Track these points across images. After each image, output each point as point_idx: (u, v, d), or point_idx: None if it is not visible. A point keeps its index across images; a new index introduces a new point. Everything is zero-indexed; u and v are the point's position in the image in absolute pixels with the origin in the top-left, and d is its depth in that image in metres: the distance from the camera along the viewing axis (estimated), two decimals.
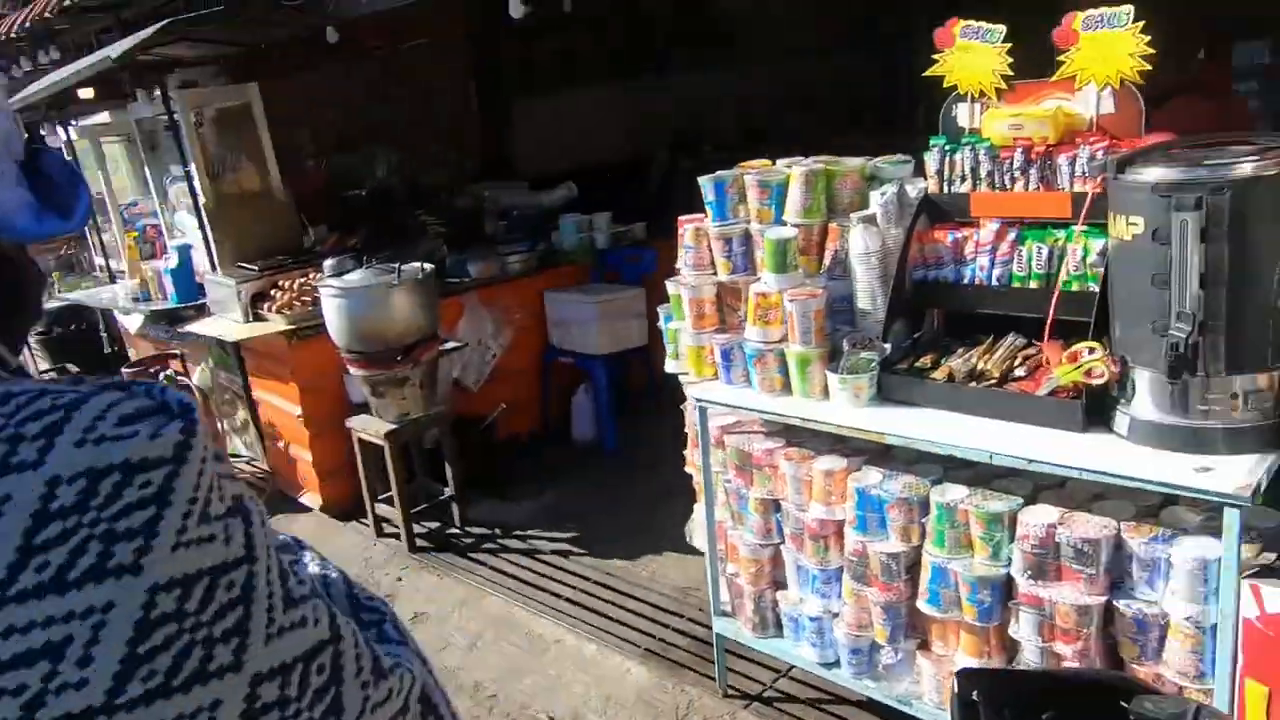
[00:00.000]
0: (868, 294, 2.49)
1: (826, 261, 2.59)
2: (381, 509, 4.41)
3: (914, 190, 2.50)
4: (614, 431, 5.03)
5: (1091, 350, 2.05)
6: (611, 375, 5.00)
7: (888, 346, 2.39)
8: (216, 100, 5.00)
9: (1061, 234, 2.23)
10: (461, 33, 8.26)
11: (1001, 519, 2.13)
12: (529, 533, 4.32)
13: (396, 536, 4.32)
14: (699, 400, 2.70)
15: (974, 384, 2.27)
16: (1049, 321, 2.13)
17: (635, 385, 5.20)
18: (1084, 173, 2.21)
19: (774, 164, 2.81)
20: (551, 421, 5.40)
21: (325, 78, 6.94)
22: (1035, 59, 2.37)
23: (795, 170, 2.58)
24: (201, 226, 4.88)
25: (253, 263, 4.85)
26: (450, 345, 4.50)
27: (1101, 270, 2.13)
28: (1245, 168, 1.80)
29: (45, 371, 7.61)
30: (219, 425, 5.32)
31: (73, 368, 7.43)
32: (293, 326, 4.43)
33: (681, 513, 3.36)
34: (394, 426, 4.14)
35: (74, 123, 6.44)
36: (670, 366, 2.90)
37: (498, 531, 4.37)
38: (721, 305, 2.74)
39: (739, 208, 2.75)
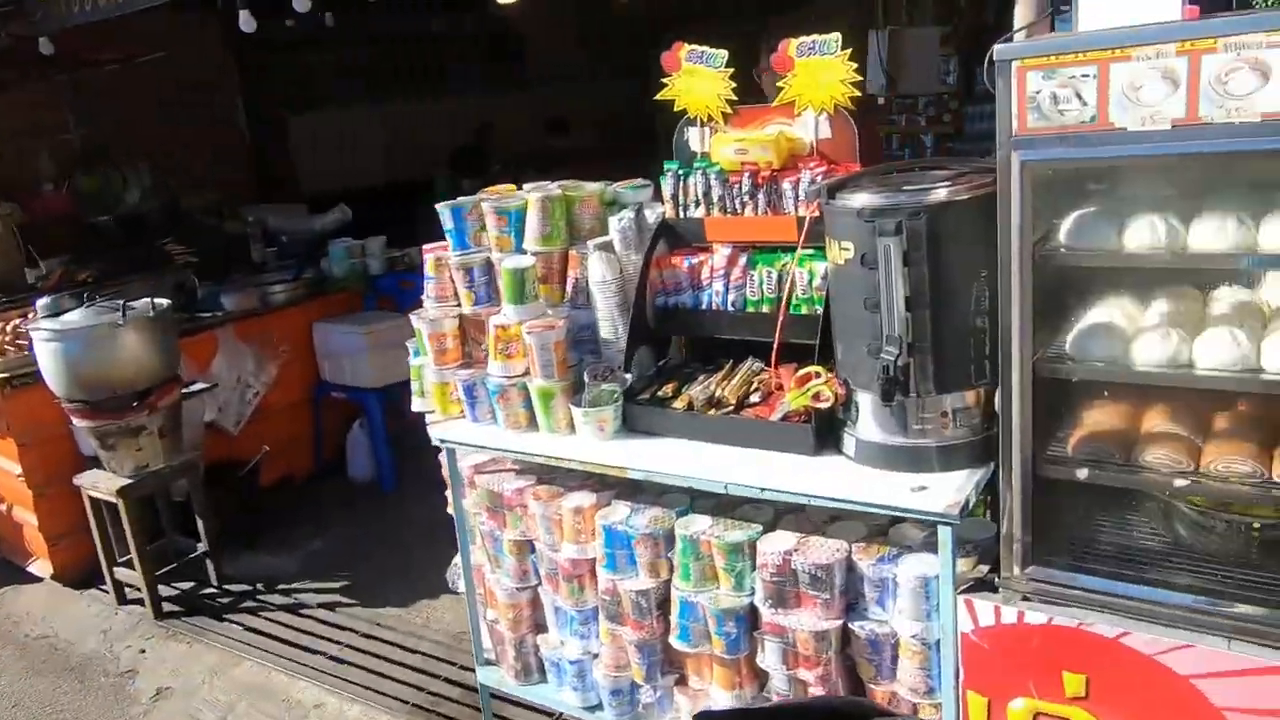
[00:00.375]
0: (609, 322, 2.42)
1: (569, 290, 2.50)
2: (123, 573, 3.95)
3: (653, 215, 2.45)
4: (392, 469, 4.77)
5: (818, 374, 2.06)
6: (387, 409, 4.73)
7: (629, 377, 2.32)
8: None
9: (789, 258, 2.24)
10: (219, 44, 7.71)
11: (742, 549, 2.10)
12: (294, 586, 3.99)
13: (141, 602, 3.88)
14: (443, 441, 2.53)
15: (712, 411, 2.24)
16: (776, 346, 2.13)
17: (416, 419, 4.94)
18: (805, 197, 2.23)
19: (519, 188, 2.71)
20: (325, 461, 5.06)
21: (58, 92, 6.26)
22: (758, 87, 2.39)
23: (532, 196, 2.48)
24: None
25: None
26: (198, 387, 4.11)
27: (826, 293, 2.15)
28: (940, 193, 1.84)
29: None
30: None
31: None
32: (4, 375, 3.91)
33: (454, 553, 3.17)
34: (129, 481, 3.71)
35: None
36: (417, 405, 2.73)
37: (259, 587, 4.01)
38: (465, 339, 2.60)
39: (480, 235, 2.62)
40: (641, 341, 2.39)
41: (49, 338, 3.50)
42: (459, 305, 2.62)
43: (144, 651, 3.67)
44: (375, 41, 8.74)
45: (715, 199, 2.36)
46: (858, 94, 2.17)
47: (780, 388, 2.20)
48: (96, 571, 4.02)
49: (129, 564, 3.86)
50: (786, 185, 2.25)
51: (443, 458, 2.66)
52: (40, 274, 5.02)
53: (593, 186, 2.55)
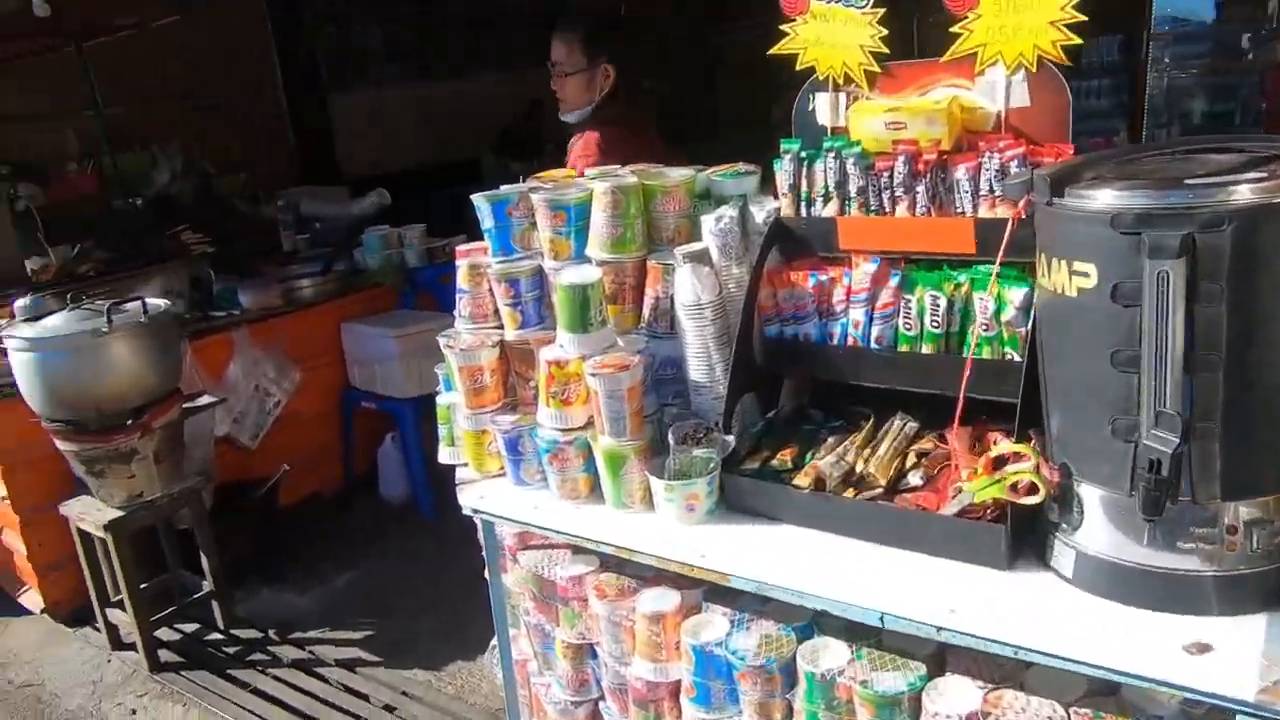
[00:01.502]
0: (702, 359, 1.77)
1: (646, 314, 1.86)
2: (116, 615, 3.43)
3: (762, 213, 1.80)
4: (428, 490, 4.19)
5: (1019, 456, 1.40)
6: (423, 422, 4.14)
7: (731, 440, 1.68)
8: None
9: (964, 277, 1.58)
10: (257, 16, 7.20)
11: (900, 703, 1.45)
12: (311, 635, 3.44)
13: (135, 647, 3.36)
14: (476, 511, 1.92)
15: (851, 492, 1.59)
16: (960, 406, 1.46)
17: None
18: (992, 190, 1.56)
19: (580, 174, 2.08)
20: (356, 477, 4.51)
21: (84, 63, 5.77)
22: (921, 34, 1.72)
23: (598, 186, 1.84)
24: None
25: None
26: (203, 401, 3.56)
27: (1024, 332, 1.48)
28: (1251, 189, 1.16)
29: None
30: None
31: None
32: None
33: None
34: (119, 514, 3.18)
35: None
36: (445, 456, 2.11)
37: (273, 634, 3.46)
38: (508, 374, 1.98)
39: (529, 236, 1.99)
40: (747, 387, 1.75)
41: (22, 346, 2.96)
42: (500, 328, 2.00)
43: (134, 713, 3.15)
44: (420, 13, 8.17)
45: (854, 192, 1.70)
46: (1077, 41, 1.49)
47: (952, 464, 1.55)
48: (90, 607, 3.50)
49: (122, 605, 3.33)
50: (961, 173, 1.59)
51: (470, 511, 2.04)
52: (50, 264, 4.54)
53: (679, 173, 1.90)
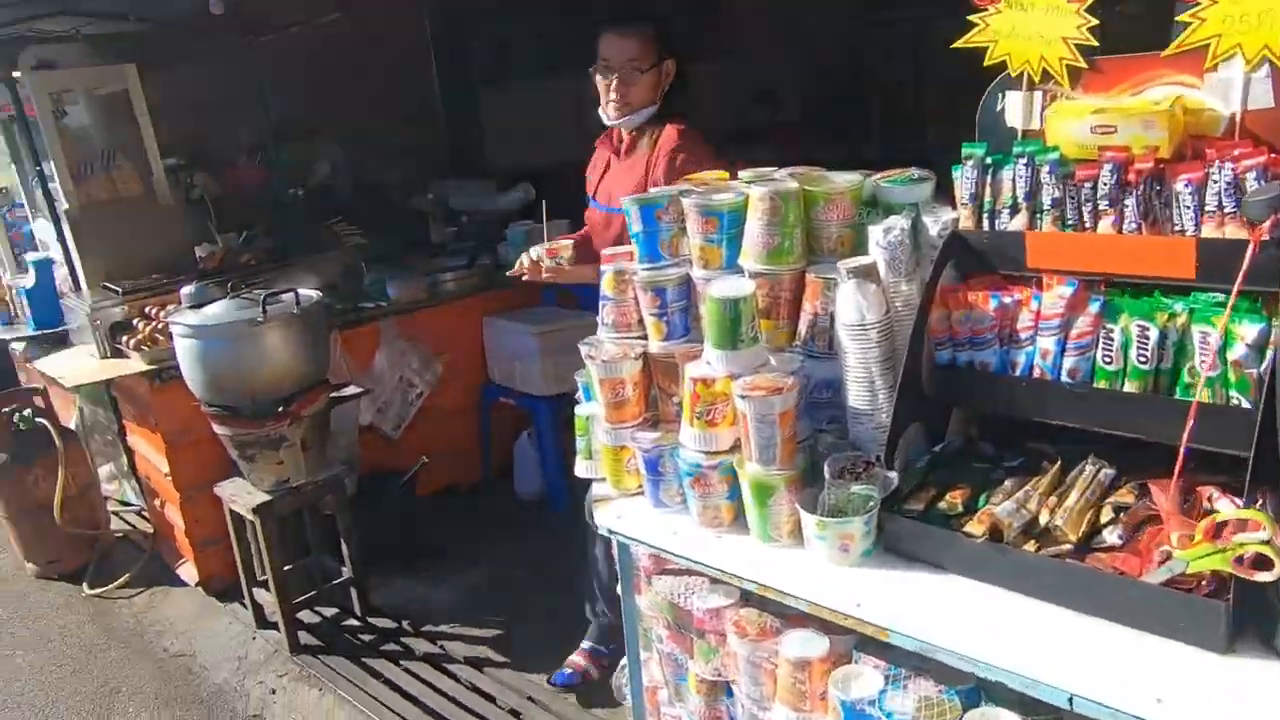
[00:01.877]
0: (864, 384, 1.62)
1: (802, 331, 1.72)
2: (262, 595, 3.55)
3: (937, 225, 1.63)
4: (563, 488, 4.15)
5: (1249, 524, 1.18)
6: (559, 420, 4.12)
7: (894, 476, 1.52)
8: (83, 84, 4.12)
9: (1181, 307, 1.36)
10: (417, 11, 7.38)
11: None
12: (442, 629, 3.45)
13: (278, 627, 3.46)
14: (612, 532, 1.82)
15: (1032, 545, 1.40)
16: (1179, 464, 1.26)
17: None
18: (1221, 207, 1.34)
19: (733, 177, 1.96)
20: (492, 473, 4.53)
21: (258, 58, 6.06)
22: (1136, 23, 1.51)
23: (755, 190, 1.71)
24: (61, 237, 4.02)
25: (127, 282, 3.99)
26: (350, 391, 3.64)
27: (1256, 374, 1.26)
28: None
29: None
30: (94, 472, 4.46)
31: None
32: (154, 366, 3.57)
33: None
34: (266, 498, 3.28)
35: None
36: (581, 469, 2.03)
37: (406, 625, 3.50)
38: (651, 388, 1.87)
39: (678, 242, 1.88)
40: (914, 417, 1.58)
41: (185, 333, 3.08)
42: (644, 338, 1.90)
43: (274, 692, 3.24)
44: (572, 8, 8.18)
45: (1047, 203, 1.50)
46: None
47: (1158, 521, 1.34)
48: (239, 584, 3.63)
49: (268, 585, 3.44)
50: (1182, 185, 1.37)
51: (605, 531, 1.95)
52: (218, 250, 4.77)
53: (844, 179, 1.75)
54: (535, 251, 2.75)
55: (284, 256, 4.43)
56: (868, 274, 1.58)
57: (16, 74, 3.91)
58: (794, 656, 1.59)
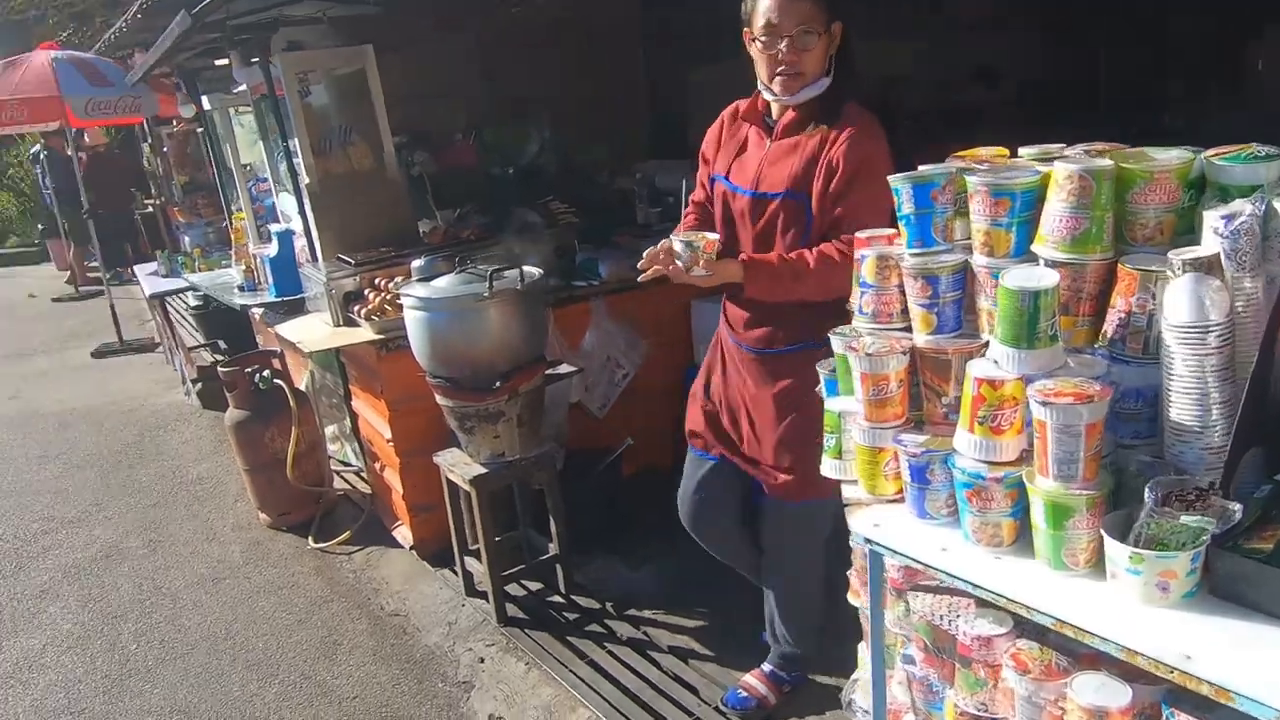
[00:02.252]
0: (1194, 398, 1.38)
1: (1109, 330, 1.50)
2: (473, 564, 3.63)
3: None
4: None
5: None
6: None
7: (1237, 509, 1.28)
8: (325, 65, 4.33)
9: None
10: None
11: None
12: (645, 614, 3.41)
13: (487, 596, 3.53)
14: (869, 542, 1.67)
15: None
16: None
17: None
18: None
19: (1012, 155, 1.75)
20: None
21: (474, 41, 6.25)
22: None
23: (1060, 168, 1.50)
24: (302, 210, 4.25)
25: (358, 254, 4.17)
26: (564, 370, 3.65)
27: None
28: None
29: (197, 346, 7.44)
30: (320, 432, 4.74)
31: (222, 344, 7.21)
32: (381, 336, 3.71)
33: (847, 624, 2.29)
34: (483, 471, 3.33)
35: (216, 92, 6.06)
36: (827, 468, 1.88)
37: (610, 607, 3.48)
38: (916, 385, 1.70)
39: (951, 226, 1.70)
40: (1257, 440, 1.33)
41: (414, 305, 3.16)
42: (907, 330, 1.73)
43: (483, 661, 3.30)
44: None
45: None
46: None
47: None
48: (451, 551, 3.74)
49: (478, 555, 3.51)
50: None
51: (861, 541, 1.80)
52: (439, 227, 4.93)
53: (1170, 155, 1.50)
54: (678, 245, 2.22)
55: (499, 234, 4.51)
56: (1209, 267, 1.34)
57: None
58: (1089, 704, 1.39)
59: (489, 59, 6.51)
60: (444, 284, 3.21)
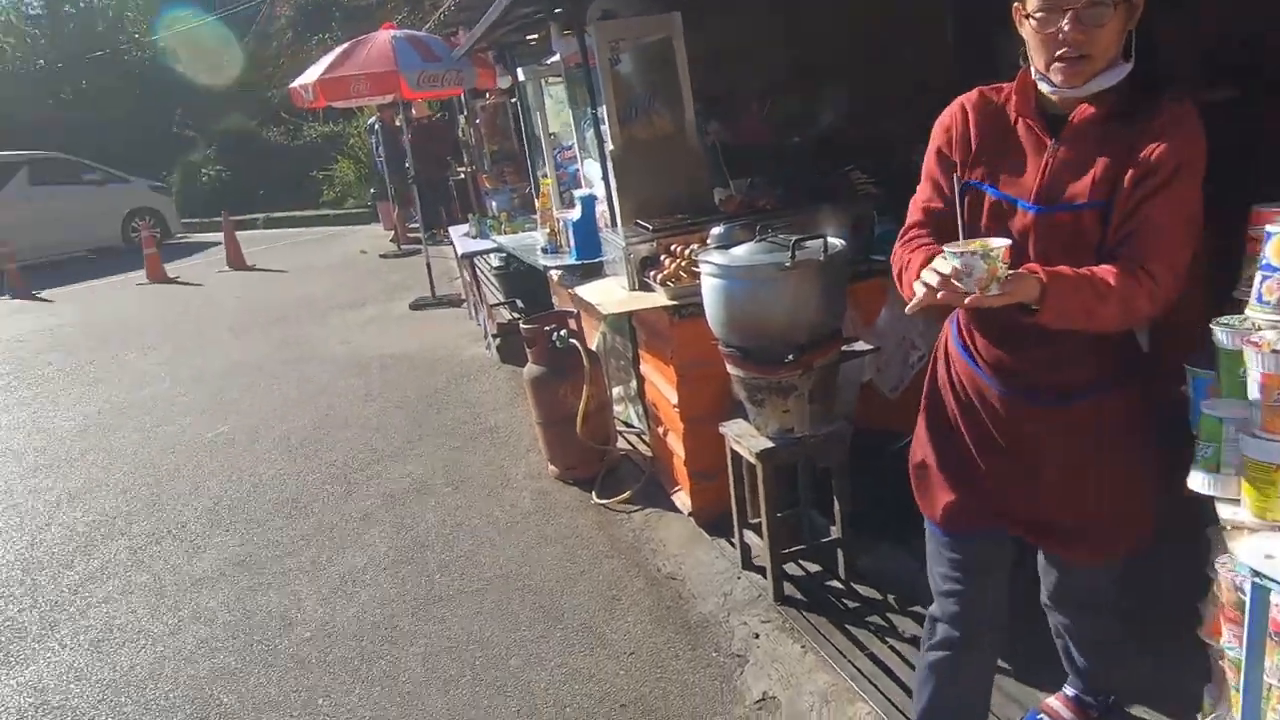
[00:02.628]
0: None
1: None
2: (751, 538, 3.59)
3: None
4: None
5: None
6: None
7: None
8: (635, 33, 4.41)
9: None
10: None
11: None
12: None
13: (764, 573, 3.47)
14: (1256, 575, 1.40)
15: None
16: None
17: None
18: None
19: None
20: None
21: (773, 9, 6.13)
22: None
23: None
24: (605, 176, 4.37)
25: (655, 220, 4.23)
26: (860, 347, 3.48)
27: None
28: None
29: (497, 304, 8.01)
30: (608, 392, 4.90)
31: (519, 303, 7.72)
32: (675, 302, 3.74)
33: (1192, 659, 1.98)
34: (770, 445, 3.26)
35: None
36: (1197, 483, 1.61)
37: (891, 598, 3.31)
38: None
39: None
40: None
41: (712, 272, 3.13)
42: None
43: (757, 637, 3.25)
44: None
45: None
46: None
47: None
48: (729, 521, 3.72)
49: (757, 529, 3.46)
50: None
51: (1247, 572, 1.52)
52: (724, 195, 4.90)
53: None
54: (967, 261, 1.67)
55: (794, 204, 4.40)
56: None
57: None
58: None
59: (789, 23, 6.36)
60: (743, 252, 3.15)
